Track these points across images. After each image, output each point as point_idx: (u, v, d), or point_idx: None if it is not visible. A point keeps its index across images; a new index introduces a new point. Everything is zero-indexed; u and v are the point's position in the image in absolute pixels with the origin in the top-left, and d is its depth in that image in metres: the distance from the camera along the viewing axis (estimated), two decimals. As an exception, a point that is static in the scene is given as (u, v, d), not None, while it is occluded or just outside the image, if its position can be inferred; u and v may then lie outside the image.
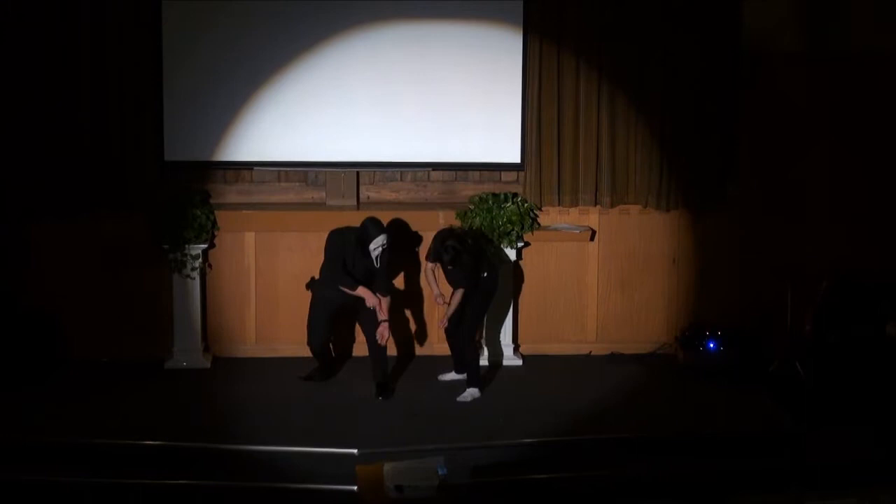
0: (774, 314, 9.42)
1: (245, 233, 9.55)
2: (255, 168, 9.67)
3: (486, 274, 8.85)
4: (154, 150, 9.39)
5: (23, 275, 9.38)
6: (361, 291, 8.62)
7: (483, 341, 9.54)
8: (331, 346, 9.23)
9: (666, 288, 9.87)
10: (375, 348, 8.77)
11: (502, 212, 9.41)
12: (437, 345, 9.75)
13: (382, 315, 8.69)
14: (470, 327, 8.93)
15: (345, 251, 8.68)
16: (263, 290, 9.60)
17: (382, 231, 8.65)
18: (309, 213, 9.49)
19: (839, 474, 7.59)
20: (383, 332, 8.69)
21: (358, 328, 9.23)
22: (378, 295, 8.67)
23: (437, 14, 9.50)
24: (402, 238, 9.42)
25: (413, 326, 9.69)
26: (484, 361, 9.52)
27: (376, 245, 8.60)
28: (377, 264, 8.68)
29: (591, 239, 9.78)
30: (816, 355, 8.92)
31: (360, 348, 9.40)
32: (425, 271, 9.06)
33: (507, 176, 9.91)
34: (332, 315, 8.91)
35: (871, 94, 9.82)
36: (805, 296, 9.32)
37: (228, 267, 9.54)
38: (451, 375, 9.03)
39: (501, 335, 9.62)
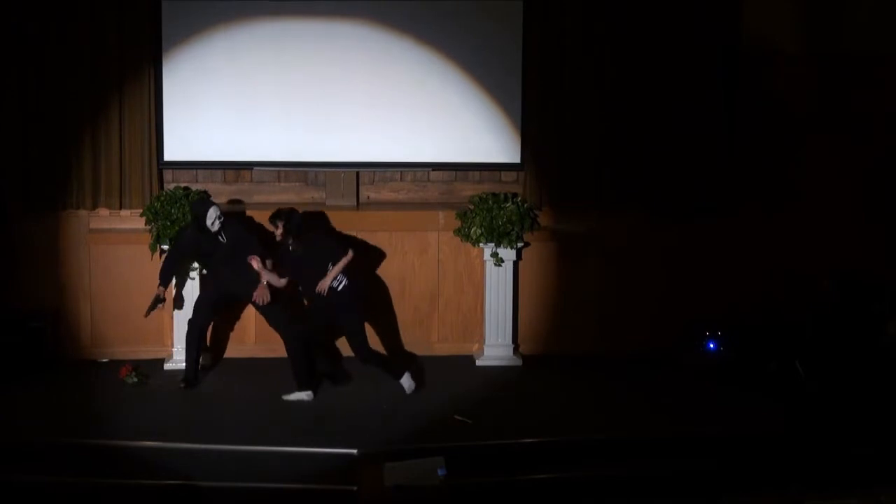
0: (774, 314, 9.43)
1: (245, 233, 9.55)
2: (255, 168, 9.67)
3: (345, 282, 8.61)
4: (154, 150, 9.40)
5: (22, 274, 9.39)
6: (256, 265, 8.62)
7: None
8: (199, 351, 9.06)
9: (665, 288, 9.87)
10: (288, 342, 8.68)
11: (502, 212, 9.41)
12: (437, 344, 9.77)
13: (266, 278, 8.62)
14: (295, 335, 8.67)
15: (185, 249, 8.72)
16: (263, 291, 9.61)
17: (210, 203, 8.74)
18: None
19: (839, 474, 7.60)
20: (263, 295, 8.63)
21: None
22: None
23: (437, 14, 9.51)
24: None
25: (407, 326, 9.71)
26: (485, 362, 9.56)
27: (212, 219, 8.63)
28: (223, 239, 8.68)
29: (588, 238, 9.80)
30: (816, 355, 8.92)
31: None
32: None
33: (507, 176, 9.92)
34: (217, 298, 8.91)
35: (870, 94, 9.83)
36: (805, 296, 9.32)
37: (228, 267, 9.53)
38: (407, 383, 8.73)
39: (501, 335, 9.63)
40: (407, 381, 8.69)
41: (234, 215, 9.19)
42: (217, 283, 8.88)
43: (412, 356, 9.59)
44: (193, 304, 9.02)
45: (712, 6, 9.61)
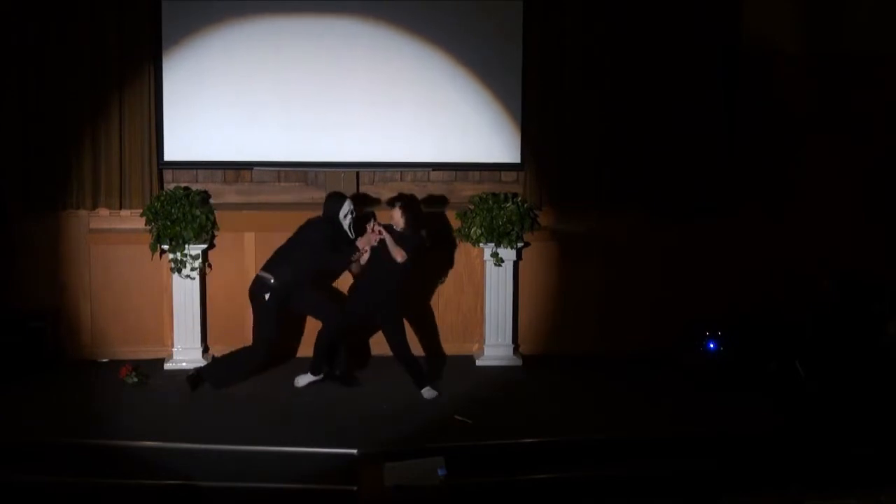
0: (774, 314, 9.42)
1: (245, 233, 9.55)
2: (255, 168, 9.68)
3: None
4: (154, 151, 9.40)
5: (22, 274, 9.39)
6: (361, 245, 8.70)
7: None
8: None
9: (665, 288, 9.87)
10: (326, 329, 8.76)
11: (502, 212, 9.41)
12: (443, 344, 9.76)
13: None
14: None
15: (328, 236, 8.67)
16: (263, 290, 9.60)
17: (345, 197, 8.80)
18: (309, 213, 9.48)
19: (839, 474, 7.60)
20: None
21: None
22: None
23: (437, 13, 9.50)
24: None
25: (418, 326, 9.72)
26: (485, 362, 9.56)
27: (345, 212, 8.69)
28: (352, 234, 8.74)
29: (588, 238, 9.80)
30: (816, 355, 8.92)
31: (373, 347, 9.44)
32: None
33: (507, 176, 9.92)
34: (283, 308, 8.84)
35: (870, 94, 9.83)
36: (805, 296, 9.31)
37: (228, 267, 9.55)
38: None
39: (501, 335, 9.63)
40: (427, 392, 8.70)
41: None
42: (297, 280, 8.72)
43: (443, 359, 9.65)
44: (260, 320, 8.74)
45: (712, 6, 9.61)
